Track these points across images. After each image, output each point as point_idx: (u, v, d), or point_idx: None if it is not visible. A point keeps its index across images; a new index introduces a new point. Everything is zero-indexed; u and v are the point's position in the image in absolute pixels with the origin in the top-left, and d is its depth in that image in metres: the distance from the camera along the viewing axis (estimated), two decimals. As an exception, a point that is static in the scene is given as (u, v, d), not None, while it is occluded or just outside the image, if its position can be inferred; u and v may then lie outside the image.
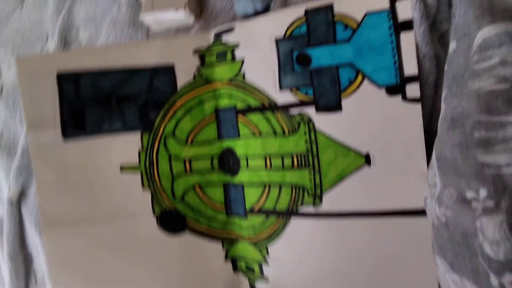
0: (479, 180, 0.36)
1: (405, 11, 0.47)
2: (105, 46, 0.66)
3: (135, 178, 0.61)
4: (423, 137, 0.47)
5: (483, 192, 0.35)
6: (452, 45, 0.41)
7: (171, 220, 0.61)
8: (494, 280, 0.35)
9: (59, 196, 0.60)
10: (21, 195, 0.71)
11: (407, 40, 0.47)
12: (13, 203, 0.71)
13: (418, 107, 0.47)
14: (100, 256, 0.61)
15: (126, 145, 0.61)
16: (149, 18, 0.62)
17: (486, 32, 0.36)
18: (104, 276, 0.61)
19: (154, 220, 0.61)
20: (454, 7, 0.47)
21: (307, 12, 0.53)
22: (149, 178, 0.61)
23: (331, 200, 0.53)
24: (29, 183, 0.71)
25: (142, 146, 0.61)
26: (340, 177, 0.52)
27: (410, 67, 0.48)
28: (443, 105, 0.42)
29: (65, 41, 0.74)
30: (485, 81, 0.36)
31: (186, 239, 0.61)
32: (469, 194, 0.36)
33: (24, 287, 0.76)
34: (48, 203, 0.60)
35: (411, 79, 0.48)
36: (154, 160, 0.61)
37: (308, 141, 0.54)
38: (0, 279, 0.81)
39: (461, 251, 0.38)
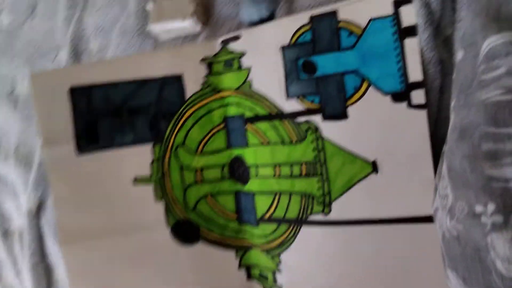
0: (487, 194, 0.35)
1: (409, 16, 0.47)
2: (114, 58, 0.67)
3: (148, 190, 0.62)
4: (430, 144, 0.47)
5: (491, 207, 0.35)
6: (460, 54, 0.40)
7: (185, 230, 0.62)
8: (507, 297, 0.35)
9: (76, 210, 0.62)
10: (40, 207, 0.73)
11: (412, 46, 0.47)
12: (32, 215, 0.72)
13: (423, 114, 0.47)
14: (117, 267, 0.62)
15: (138, 157, 0.62)
16: (157, 28, 0.63)
17: (493, 41, 0.36)
18: (122, 283, 0.63)
19: (168, 231, 0.62)
20: (458, 11, 0.46)
21: (312, 19, 0.53)
22: (162, 189, 0.62)
23: (340, 208, 0.53)
24: (47, 194, 0.72)
25: (154, 157, 0.62)
26: (348, 185, 0.52)
27: (415, 74, 0.47)
28: (452, 115, 0.41)
29: (76, 51, 0.75)
30: (492, 92, 0.36)
31: (200, 248, 0.62)
32: (478, 208, 0.36)
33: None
34: (65, 218, 0.62)
35: (416, 85, 0.47)
36: (166, 171, 0.62)
37: (316, 149, 0.54)
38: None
39: (474, 266, 0.37)
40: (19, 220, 0.79)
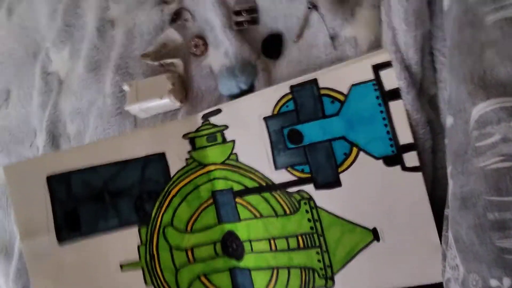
0: (501, 267, 0.33)
1: (390, 80, 0.47)
2: (93, 142, 0.65)
3: (137, 275, 0.58)
4: (430, 206, 0.45)
5: (507, 282, 0.33)
6: (449, 120, 0.39)
7: (179, 316, 0.58)
8: None
9: (59, 306, 0.57)
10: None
11: (397, 108, 0.46)
12: (14, 310, 0.68)
13: (419, 176, 0.46)
14: None
15: (124, 242, 0.59)
16: (135, 108, 0.62)
17: (482, 108, 0.35)
18: None
19: (161, 319, 0.58)
20: (439, 71, 0.46)
21: (292, 88, 0.52)
22: (152, 274, 0.58)
23: (343, 281, 0.50)
24: (30, 285, 0.68)
25: (141, 241, 0.59)
26: (350, 255, 0.49)
27: (405, 136, 0.46)
28: (450, 182, 0.40)
29: (53, 136, 0.73)
30: (490, 159, 0.34)
31: (197, 335, 0.58)
32: (493, 283, 0.34)
33: None
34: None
35: (408, 147, 0.46)
36: (155, 253, 0.58)
37: (311, 219, 0.51)
38: None
39: None
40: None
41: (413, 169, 0.46)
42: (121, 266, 0.58)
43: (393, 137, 0.47)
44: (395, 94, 0.46)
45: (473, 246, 0.35)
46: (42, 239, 0.58)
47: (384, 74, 0.47)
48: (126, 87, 0.61)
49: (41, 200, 0.59)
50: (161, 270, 0.58)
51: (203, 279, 0.58)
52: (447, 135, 0.40)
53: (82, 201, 0.59)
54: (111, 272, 0.58)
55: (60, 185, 0.59)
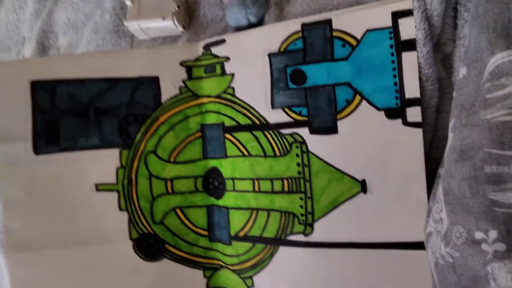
0: (489, 220, 0.33)
1: (408, 29, 0.44)
2: (85, 53, 0.62)
3: (112, 198, 0.56)
4: (424, 165, 0.44)
5: (493, 234, 0.32)
6: (462, 71, 0.38)
7: (149, 245, 0.56)
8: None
9: (27, 216, 0.55)
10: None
11: (409, 60, 0.45)
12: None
13: (419, 132, 0.44)
14: (71, 283, 0.55)
15: (103, 162, 0.56)
16: (134, 25, 0.58)
17: (500, 58, 0.33)
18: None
19: (131, 244, 0.56)
20: (460, 28, 0.44)
21: (303, 27, 0.50)
22: (127, 199, 0.56)
23: (323, 229, 0.49)
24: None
25: (121, 164, 0.56)
26: (334, 205, 0.48)
27: (412, 90, 0.44)
28: (450, 135, 0.39)
29: (42, 46, 0.70)
30: (498, 111, 0.33)
31: (165, 265, 0.56)
32: (478, 235, 0.33)
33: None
34: (15, 225, 0.55)
35: (412, 102, 0.45)
36: (133, 179, 0.56)
37: (301, 164, 0.50)
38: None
39: None
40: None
41: (414, 124, 0.44)
42: (97, 186, 0.56)
43: (400, 89, 0.45)
44: (410, 45, 0.44)
45: (464, 199, 0.34)
46: (17, 146, 0.55)
47: (402, 22, 0.45)
48: (128, 2, 0.58)
49: (21, 106, 0.56)
50: (137, 196, 0.56)
51: (178, 212, 0.57)
52: (457, 87, 0.38)
53: (65, 114, 0.56)
54: (85, 191, 0.56)
55: (44, 93, 0.56)
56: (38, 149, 0.56)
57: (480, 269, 0.33)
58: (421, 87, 0.44)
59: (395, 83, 0.45)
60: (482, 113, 0.35)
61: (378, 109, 0.46)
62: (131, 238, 0.56)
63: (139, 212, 0.56)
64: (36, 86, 0.56)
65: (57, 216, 0.55)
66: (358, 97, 0.47)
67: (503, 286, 0.31)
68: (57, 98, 0.57)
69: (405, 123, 0.45)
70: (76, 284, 0.56)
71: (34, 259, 0.55)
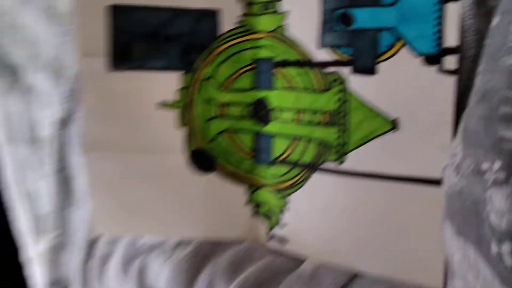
0: (496, 152, 0.37)
1: (455, -20, 0.47)
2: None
3: (172, 115, 0.64)
4: (453, 110, 0.48)
5: (497, 164, 0.37)
6: (496, 19, 0.40)
7: (201, 159, 0.65)
8: (494, 247, 0.37)
9: (102, 122, 0.65)
10: (68, 118, 0.77)
11: (452, 11, 0.47)
12: (60, 125, 0.76)
13: (452, 80, 0.48)
14: (133, 181, 0.66)
15: (167, 83, 0.64)
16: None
17: (528, 8, 0.36)
18: (135, 201, 0.67)
19: (185, 157, 0.65)
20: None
21: (357, -29, 0.53)
22: (185, 117, 0.64)
23: (354, 160, 0.55)
24: (77, 107, 0.76)
25: (182, 86, 0.64)
26: (366, 139, 0.54)
27: (451, 39, 0.47)
28: (477, 78, 0.42)
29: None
30: (517, 59, 0.36)
31: (213, 179, 0.65)
32: (485, 165, 0.38)
33: (65, 202, 0.83)
34: (92, 127, 0.66)
35: (450, 50, 0.48)
36: (192, 100, 0.64)
37: (340, 100, 0.55)
38: (43, 194, 0.89)
39: (470, 218, 0.40)
40: (47, 129, 0.83)
41: (449, 72, 0.48)
42: (160, 104, 0.64)
43: (440, 38, 0.48)
44: (455, -5, 0.47)
45: (478, 134, 0.39)
46: (97, 62, 0.64)
47: (450, -27, 0.47)
48: None
49: (103, 26, 0.64)
50: (194, 116, 0.64)
51: (228, 134, 0.64)
52: (489, 34, 0.41)
53: (138, 37, 0.64)
54: (150, 107, 0.64)
55: (122, 16, 0.64)
56: (114, 66, 0.64)
57: (481, 194, 0.38)
58: (461, 37, 0.47)
59: (436, 32, 0.48)
60: (505, 59, 0.38)
61: (417, 55, 0.50)
62: (186, 152, 0.65)
63: (194, 130, 0.65)
64: (116, 10, 0.64)
65: (125, 125, 0.65)
66: (399, 42, 0.51)
67: (497, 207, 0.36)
68: (133, 22, 0.64)
69: (441, 70, 0.48)
70: (137, 185, 0.66)
71: (105, 158, 0.66)
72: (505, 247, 0.36)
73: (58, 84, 0.79)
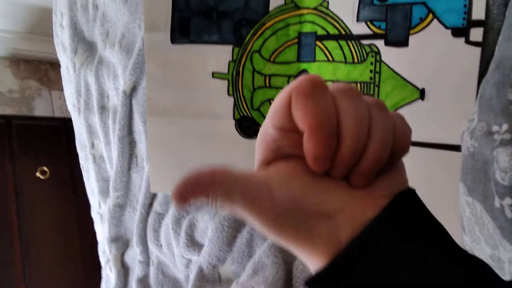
0: (505, 115, 0.41)
1: (484, -44, 0.50)
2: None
3: (223, 84, 0.72)
4: (477, 81, 0.51)
5: (505, 126, 0.40)
6: (516, -7, 0.44)
7: (247, 125, 0.72)
8: (497, 202, 0.41)
9: (163, 89, 0.74)
10: (133, 89, 0.87)
11: (481, -15, 0.50)
12: (126, 95, 0.87)
13: (478, 51, 0.51)
14: (187, 143, 0.75)
15: (220, 55, 0.72)
16: None
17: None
18: (188, 161, 0.76)
19: (233, 122, 0.73)
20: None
21: (394, -50, 0.57)
22: (234, 87, 0.72)
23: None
24: (141, 79, 0.85)
25: (232, 58, 0.71)
26: (395, 107, 0.58)
27: (478, 12, 0.51)
28: (496, 48, 0.46)
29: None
30: (531, 29, 0.40)
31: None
32: (495, 128, 0.41)
33: (128, 166, 0.94)
34: (154, 94, 0.75)
35: (477, 23, 0.51)
36: (241, 71, 0.71)
37: (373, 71, 0.60)
38: (109, 158, 1.00)
39: (479, 177, 0.44)
40: (115, 98, 0.94)
41: (476, 43, 0.51)
42: (213, 74, 0.72)
43: (468, 11, 0.51)
44: (484, -29, 0.50)
45: (491, 100, 0.42)
46: (160, 34, 0.73)
47: (480, -51, 0.50)
48: None
49: (165, 3, 0.73)
50: (242, 86, 0.72)
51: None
52: (509, 8, 0.44)
53: (195, 13, 0.72)
54: (204, 76, 0.72)
55: (181, -5, 0.72)
56: (173, 39, 0.73)
57: (489, 154, 0.42)
58: (487, 10, 0.50)
59: (465, 5, 0.52)
60: (520, 31, 0.41)
61: (446, 27, 0.53)
62: (234, 118, 0.72)
63: (242, 98, 0.72)
64: (176, -11, 0.72)
65: (182, 92, 0.73)
66: (430, 16, 0.54)
67: (501, 165, 0.40)
68: (191, 0, 0.72)
69: (468, 41, 0.52)
70: (191, 146, 0.75)
71: (164, 122, 0.75)
72: (507, 201, 0.40)
73: (126, 57, 0.90)
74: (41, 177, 2.03)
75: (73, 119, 1.12)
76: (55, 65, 2.17)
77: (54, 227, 2.02)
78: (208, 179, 0.23)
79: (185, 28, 0.72)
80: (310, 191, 0.23)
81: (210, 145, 0.74)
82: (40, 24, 1.97)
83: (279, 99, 0.23)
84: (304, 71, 0.68)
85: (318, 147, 0.22)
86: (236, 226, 0.75)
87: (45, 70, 2.32)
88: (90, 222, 1.15)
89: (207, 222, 0.80)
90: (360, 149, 0.22)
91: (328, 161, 0.23)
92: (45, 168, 2.04)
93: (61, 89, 1.17)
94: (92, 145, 1.06)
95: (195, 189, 0.23)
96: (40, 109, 2.27)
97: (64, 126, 2.12)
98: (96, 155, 1.07)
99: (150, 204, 0.91)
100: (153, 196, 0.89)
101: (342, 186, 0.24)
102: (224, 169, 0.23)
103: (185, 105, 0.74)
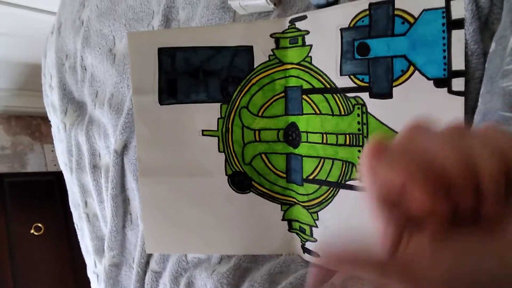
0: None
1: (458, 10, 0.51)
2: (197, 26, 0.77)
3: (213, 142, 0.72)
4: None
5: None
6: (492, 46, 0.45)
7: (240, 180, 0.72)
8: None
9: (153, 150, 0.74)
10: (124, 148, 0.87)
11: (458, 37, 0.51)
12: (117, 154, 0.87)
13: (461, 100, 0.52)
14: (180, 203, 0.74)
15: (208, 113, 0.72)
16: (236, 3, 0.72)
17: (518, 36, 0.40)
18: (183, 220, 0.75)
19: (226, 179, 0.72)
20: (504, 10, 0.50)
21: (371, 6, 0.59)
22: (224, 143, 0.72)
23: (375, 177, 0.59)
24: (131, 137, 0.86)
25: (221, 115, 0.72)
26: (385, 157, 0.58)
27: (458, 63, 0.52)
28: (480, 100, 0.46)
29: (166, 19, 0.86)
30: (511, 81, 0.40)
31: (251, 197, 0.72)
32: None
33: (122, 224, 0.93)
34: (144, 155, 0.75)
35: (458, 73, 0.52)
36: (230, 127, 0.72)
37: (361, 122, 0.60)
38: (103, 217, 0.99)
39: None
40: (106, 157, 0.94)
41: (458, 93, 0.52)
42: (202, 132, 0.72)
43: (448, 62, 0.52)
44: (459, 23, 0.51)
45: None
46: (148, 97, 0.74)
47: (454, 4, 0.52)
48: (231, -15, 0.72)
49: (151, 67, 0.74)
50: (232, 142, 0.72)
51: (263, 156, 0.71)
52: (488, 59, 0.46)
53: (181, 74, 0.73)
54: (194, 135, 0.73)
55: (167, 57, 0.73)
56: (161, 101, 0.74)
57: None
58: (467, 60, 0.51)
59: (444, 57, 0.53)
60: (500, 82, 0.42)
61: (428, 78, 0.54)
62: (226, 174, 0.72)
63: (233, 154, 0.72)
64: (162, 52, 0.74)
65: (172, 151, 0.73)
66: (412, 68, 0.55)
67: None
68: (176, 62, 0.73)
69: (450, 91, 0.53)
70: (184, 205, 0.74)
71: (156, 182, 0.74)
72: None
73: (116, 117, 0.90)
74: (36, 233, 2.00)
75: (65, 178, 1.12)
76: (47, 119, 2.18)
77: (50, 285, 1.97)
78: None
79: (172, 89, 0.73)
80: None
81: (204, 202, 0.73)
82: (30, 80, 2.00)
83: None
84: (293, 123, 0.69)
85: None
86: (235, 283, 0.73)
87: (37, 125, 2.33)
88: (87, 278, 1.13)
89: (205, 280, 0.78)
90: None
91: None
92: (39, 224, 2.01)
93: (53, 142, 1.17)
94: (86, 203, 1.05)
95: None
96: (33, 163, 2.26)
97: (57, 180, 2.11)
98: (89, 213, 1.05)
99: (147, 262, 0.90)
100: (149, 254, 0.87)
101: None
102: None
103: (177, 164, 0.73)
